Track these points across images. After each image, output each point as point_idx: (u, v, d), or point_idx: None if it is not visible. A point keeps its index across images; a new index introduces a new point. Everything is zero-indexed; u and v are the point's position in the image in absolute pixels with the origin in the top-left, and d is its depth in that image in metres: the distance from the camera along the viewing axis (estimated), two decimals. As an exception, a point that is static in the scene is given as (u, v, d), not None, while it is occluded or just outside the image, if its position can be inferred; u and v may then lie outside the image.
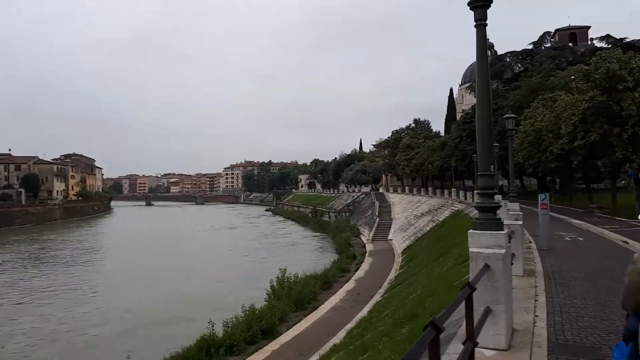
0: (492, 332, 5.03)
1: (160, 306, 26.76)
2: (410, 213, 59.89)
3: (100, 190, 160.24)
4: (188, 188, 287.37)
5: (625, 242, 14.28)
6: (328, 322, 22.07)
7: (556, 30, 78.35)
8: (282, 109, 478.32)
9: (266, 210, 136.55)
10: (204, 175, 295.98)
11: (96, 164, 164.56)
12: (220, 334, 19.40)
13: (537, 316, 6.51)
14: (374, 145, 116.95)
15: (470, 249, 5.35)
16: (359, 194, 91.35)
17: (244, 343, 19.12)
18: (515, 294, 7.66)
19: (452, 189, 54.95)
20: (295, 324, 22.14)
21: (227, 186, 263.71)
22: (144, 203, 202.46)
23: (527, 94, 43.16)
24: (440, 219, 44.28)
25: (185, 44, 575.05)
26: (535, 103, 37.02)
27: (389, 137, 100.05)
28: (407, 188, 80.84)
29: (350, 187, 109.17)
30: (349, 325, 19.83)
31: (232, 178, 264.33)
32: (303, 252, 49.78)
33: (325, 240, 61.48)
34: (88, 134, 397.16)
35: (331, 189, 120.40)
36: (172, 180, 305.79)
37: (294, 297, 25.44)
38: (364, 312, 21.93)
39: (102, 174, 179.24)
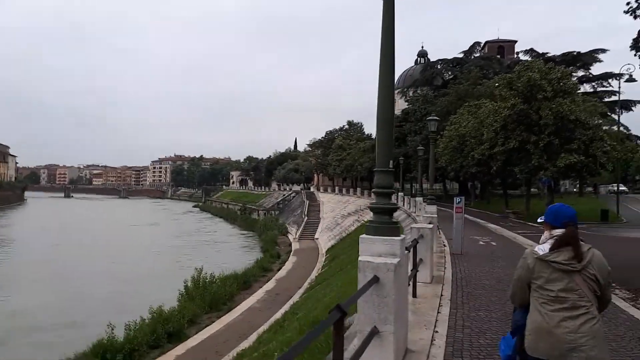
0: (377, 359, 4.23)
1: (57, 308, 24.39)
2: (338, 213, 59.95)
3: (13, 179, 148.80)
4: (112, 181, 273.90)
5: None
6: (241, 325, 21.07)
7: (486, 42, 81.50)
8: (215, 103, 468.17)
9: (194, 206, 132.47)
10: (130, 168, 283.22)
11: (10, 151, 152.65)
12: (121, 338, 17.79)
13: (436, 332, 5.89)
14: (308, 144, 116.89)
15: (360, 257, 4.54)
16: (289, 193, 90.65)
17: (146, 347, 17.69)
18: (418, 304, 7.06)
19: (380, 191, 55.12)
20: (207, 326, 21.06)
21: (154, 180, 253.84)
22: (62, 195, 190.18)
23: (455, 101, 44.22)
24: (365, 219, 44.37)
25: (110, 32, 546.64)
26: (462, 110, 37.88)
27: (322, 137, 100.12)
28: (337, 188, 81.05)
29: (282, 185, 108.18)
30: (262, 328, 18.98)
31: (160, 172, 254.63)
32: (227, 250, 48.13)
33: (252, 238, 60.11)
34: (3, 120, 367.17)
35: (263, 187, 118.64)
36: (95, 172, 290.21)
37: (208, 298, 24.20)
38: (279, 314, 21.12)
39: (17, 163, 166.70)
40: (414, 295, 7.37)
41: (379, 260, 4.41)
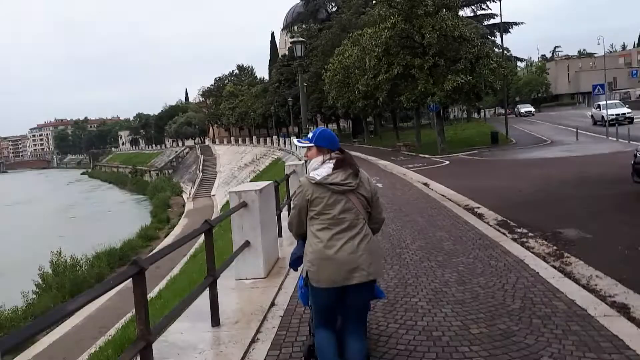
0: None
1: None
2: (234, 165, 57.75)
3: None
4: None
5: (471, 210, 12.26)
6: (106, 313, 17.60)
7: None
8: (95, 58, 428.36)
9: (82, 173, 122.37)
10: (5, 138, 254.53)
11: None
12: None
13: None
14: (200, 95, 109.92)
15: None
16: (182, 148, 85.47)
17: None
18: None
19: (274, 137, 52.73)
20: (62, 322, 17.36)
21: (36, 150, 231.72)
22: None
23: (339, 33, 41.54)
24: (261, 169, 42.44)
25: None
26: (346, 41, 35.32)
27: (212, 85, 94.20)
28: (233, 139, 77.30)
29: (176, 141, 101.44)
30: (129, 316, 15.73)
31: (42, 140, 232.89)
32: (113, 221, 42.97)
33: (143, 203, 55.36)
34: None
35: (155, 145, 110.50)
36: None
37: (67, 285, 20.38)
38: (155, 291, 17.96)
39: None
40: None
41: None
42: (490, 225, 7.57)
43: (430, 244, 6.66)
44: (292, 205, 3.21)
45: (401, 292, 4.77)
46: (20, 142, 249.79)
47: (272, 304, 4.57)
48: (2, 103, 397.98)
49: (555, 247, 6.19)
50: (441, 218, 8.33)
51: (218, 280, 4.10)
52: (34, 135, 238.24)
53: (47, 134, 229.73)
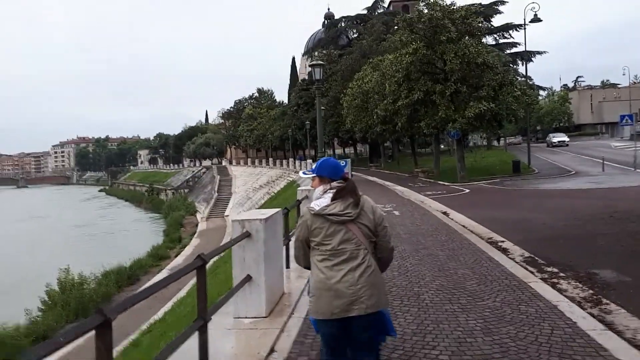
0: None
1: None
2: (250, 186, 57.38)
3: None
4: (8, 169, 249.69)
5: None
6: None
7: (390, 1, 79.52)
8: (119, 77, 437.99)
9: (100, 190, 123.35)
10: (28, 154, 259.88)
11: None
12: None
13: None
14: (219, 116, 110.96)
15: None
16: (199, 169, 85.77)
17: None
18: None
19: (290, 159, 52.51)
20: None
21: (57, 166, 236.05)
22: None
23: (359, 58, 41.54)
24: (275, 191, 41.89)
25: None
26: (366, 66, 35.18)
27: (231, 108, 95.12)
28: (249, 160, 77.36)
29: (194, 161, 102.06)
30: (133, 337, 15.17)
31: (63, 156, 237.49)
32: (125, 239, 42.79)
33: (158, 222, 55.17)
34: None
35: (173, 165, 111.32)
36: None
37: (73, 304, 19.96)
38: (159, 314, 17.43)
39: None
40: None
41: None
42: (517, 262, 6.92)
43: (452, 282, 6.03)
44: (295, 236, 3.12)
45: (420, 342, 4.17)
46: (42, 158, 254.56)
47: (272, 351, 4.00)
48: (26, 120, 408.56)
49: (591, 291, 5.53)
50: (463, 252, 7.68)
51: (214, 317, 3.66)
52: (55, 152, 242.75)
53: (69, 151, 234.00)
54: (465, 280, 6.06)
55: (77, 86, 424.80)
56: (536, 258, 7.11)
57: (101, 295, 21.53)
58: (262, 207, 39.43)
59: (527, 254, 7.38)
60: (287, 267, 6.38)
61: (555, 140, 50.19)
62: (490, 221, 10.80)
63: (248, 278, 4.47)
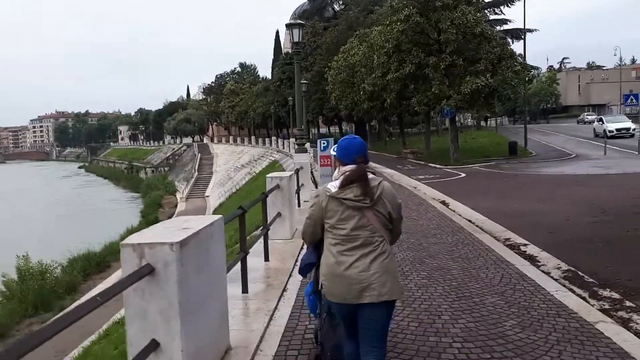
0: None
1: None
2: (231, 165, 55.85)
3: None
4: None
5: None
6: (71, 330, 15.15)
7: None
8: (99, 51, 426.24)
9: (79, 167, 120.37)
10: (6, 129, 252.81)
11: None
12: None
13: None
14: (201, 92, 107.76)
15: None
16: (180, 146, 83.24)
17: None
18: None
19: (273, 138, 50.56)
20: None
21: (35, 141, 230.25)
22: None
23: (345, 31, 39.37)
24: (257, 171, 40.16)
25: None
26: (352, 38, 33.03)
27: (212, 82, 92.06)
28: (232, 138, 75.14)
29: (175, 138, 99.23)
30: (102, 330, 13.17)
31: (42, 131, 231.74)
32: (99, 221, 40.48)
33: (136, 202, 53.15)
34: None
35: (154, 142, 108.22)
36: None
37: (30, 295, 18.07)
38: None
39: None
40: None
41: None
42: (558, 282, 5.12)
43: (483, 323, 4.06)
44: (307, 214, 2.92)
45: None
46: (20, 132, 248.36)
47: None
48: (3, 92, 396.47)
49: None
50: (482, 263, 5.83)
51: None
52: (34, 127, 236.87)
53: (48, 126, 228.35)
54: (501, 318, 4.16)
55: (56, 60, 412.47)
56: (580, 273, 5.39)
57: (65, 285, 19.73)
58: (241, 188, 37.67)
59: (564, 266, 5.66)
60: (245, 291, 4.54)
61: (611, 127, 29.84)
62: (499, 214, 9.14)
63: (153, 346, 2.63)
